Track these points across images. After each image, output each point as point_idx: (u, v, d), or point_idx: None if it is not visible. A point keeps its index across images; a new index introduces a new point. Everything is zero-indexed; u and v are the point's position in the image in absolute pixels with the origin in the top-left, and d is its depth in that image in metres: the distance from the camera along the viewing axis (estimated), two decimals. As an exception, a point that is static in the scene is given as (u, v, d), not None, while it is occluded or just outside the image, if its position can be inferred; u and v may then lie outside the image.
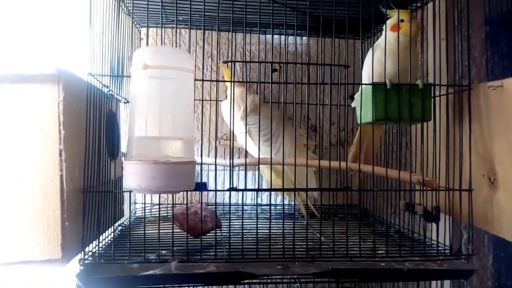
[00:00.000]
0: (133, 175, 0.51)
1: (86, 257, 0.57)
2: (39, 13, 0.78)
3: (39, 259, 0.51)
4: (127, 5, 0.77)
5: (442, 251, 0.66)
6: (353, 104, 0.74)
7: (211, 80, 0.66)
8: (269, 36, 0.99)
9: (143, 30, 0.94)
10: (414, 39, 0.67)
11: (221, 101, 0.87)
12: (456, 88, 0.67)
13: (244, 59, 0.96)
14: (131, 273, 0.54)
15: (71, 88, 0.54)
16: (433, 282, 0.83)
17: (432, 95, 0.68)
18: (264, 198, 0.98)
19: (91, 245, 0.59)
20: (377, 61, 0.66)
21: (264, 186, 0.89)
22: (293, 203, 0.97)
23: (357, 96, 0.70)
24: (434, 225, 0.71)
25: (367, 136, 0.75)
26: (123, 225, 0.78)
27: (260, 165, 0.82)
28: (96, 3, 0.61)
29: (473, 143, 0.65)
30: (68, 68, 0.54)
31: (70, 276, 0.57)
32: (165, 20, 0.86)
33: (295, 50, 0.98)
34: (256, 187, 0.85)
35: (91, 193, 0.58)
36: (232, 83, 0.62)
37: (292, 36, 0.98)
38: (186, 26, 0.90)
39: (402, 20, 0.68)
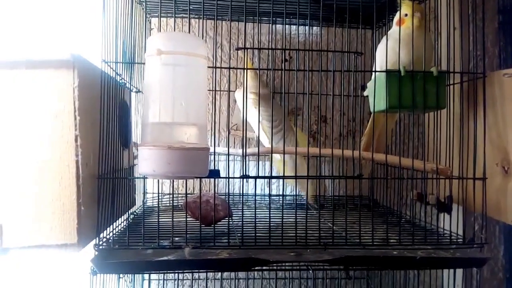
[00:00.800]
0: (148, 161, 0.51)
1: (101, 242, 0.57)
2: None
3: (55, 243, 0.51)
4: (138, -7, 0.77)
5: (455, 240, 0.66)
6: (365, 93, 0.73)
7: (222, 67, 0.66)
8: (279, 27, 0.99)
9: (153, 20, 0.94)
10: (417, 32, 0.66)
11: (233, 91, 0.87)
12: (470, 76, 0.67)
13: (255, 50, 0.95)
14: (145, 259, 0.55)
15: (86, 74, 0.54)
16: (445, 272, 0.83)
17: (446, 83, 0.67)
18: (273, 189, 0.98)
19: (105, 231, 0.60)
20: (391, 50, 0.66)
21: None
22: (302, 193, 0.97)
23: (370, 84, 0.70)
24: (446, 215, 0.71)
25: (380, 125, 0.75)
26: (135, 213, 0.79)
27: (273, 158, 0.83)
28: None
29: (487, 131, 0.64)
30: (82, 54, 0.54)
31: (84, 261, 0.57)
32: (176, 9, 0.86)
33: (305, 40, 0.97)
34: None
35: (106, 179, 0.58)
36: (246, 69, 0.62)
37: (302, 26, 0.97)
38: (197, 16, 0.90)
39: (406, 15, 0.68)
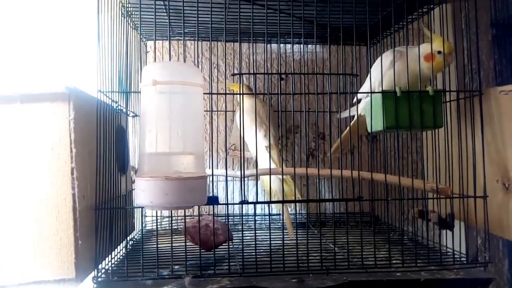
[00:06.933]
0: (145, 192, 0.51)
1: (99, 274, 0.56)
2: (48, 32, 0.79)
3: (53, 278, 0.50)
4: (133, 19, 0.77)
5: (458, 259, 0.65)
6: (362, 113, 0.73)
7: (218, 93, 0.66)
8: (274, 45, 0.99)
9: (149, 43, 0.94)
10: (438, 72, 0.66)
11: (230, 111, 0.87)
12: (466, 93, 0.67)
13: (250, 69, 0.95)
14: (145, 290, 0.54)
15: (81, 106, 0.54)
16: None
17: (443, 101, 0.67)
18: (272, 207, 0.98)
19: (103, 262, 0.59)
20: (397, 75, 0.64)
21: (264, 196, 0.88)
22: (303, 212, 0.97)
23: (366, 104, 0.69)
24: (448, 232, 0.70)
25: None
26: (134, 239, 0.78)
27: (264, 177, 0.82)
28: (104, 19, 0.61)
29: (486, 148, 0.64)
30: (77, 86, 0.54)
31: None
32: (171, 33, 0.87)
33: (301, 58, 0.98)
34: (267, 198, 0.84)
35: (103, 210, 0.58)
36: (241, 95, 0.62)
37: (297, 45, 0.98)
38: (192, 38, 0.90)
39: (439, 52, 0.64)
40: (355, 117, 0.73)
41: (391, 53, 0.68)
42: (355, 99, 0.74)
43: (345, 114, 0.80)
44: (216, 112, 0.96)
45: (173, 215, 0.92)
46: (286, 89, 0.97)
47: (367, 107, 0.68)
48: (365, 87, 0.72)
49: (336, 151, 0.76)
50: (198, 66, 0.64)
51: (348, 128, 0.75)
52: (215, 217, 0.72)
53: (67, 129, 0.51)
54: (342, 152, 0.76)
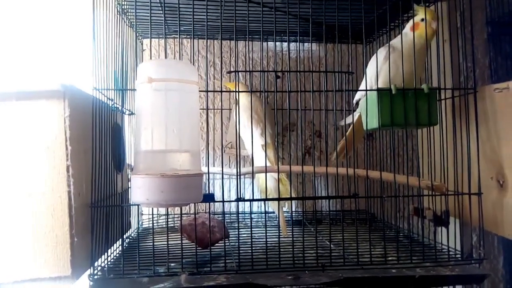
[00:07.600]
0: (141, 189, 0.51)
1: (95, 272, 0.56)
2: (43, 29, 0.78)
3: (49, 276, 0.50)
4: (129, 17, 0.77)
5: (453, 256, 0.65)
6: (358, 110, 0.73)
7: (215, 91, 0.66)
8: (271, 43, 0.99)
9: (145, 41, 0.94)
10: (429, 40, 0.65)
11: (226, 109, 0.87)
12: (461, 91, 0.67)
13: (246, 67, 0.95)
14: (141, 288, 0.54)
15: (77, 103, 0.54)
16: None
17: (438, 98, 0.67)
18: (268, 204, 0.98)
19: (100, 260, 0.59)
20: (393, 64, 0.65)
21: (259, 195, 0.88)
22: (299, 210, 0.97)
23: (362, 102, 0.70)
24: (443, 229, 0.71)
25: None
26: (130, 237, 0.78)
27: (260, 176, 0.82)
28: (99, 17, 0.61)
29: (480, 146, 0.65)
30: (73, 83, 0.54)
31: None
32: (167, 31, 0.87)
33: (297, 56, 0.98)
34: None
35: (98, 208, 0.58)
36: (237, 92, 0.62)
37: (293, 43, 0.98)
38: (188, 36, 0.90)
39: (422, 20, 0.65)
40: (351, 127, 0.74)
41: (385, 48, 0.69)
42: (355, 99, 0.74)
43: (342, 123, 0.80)
44: (212, 110, 0.96)
45: (169, 213, 0.92)
46: (282, 87, 0.97)
47: (362, 105, 0.68)
48: (362, 87, 0.72)
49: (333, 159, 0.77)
50: (194, 64, 0.64)
51: (343, 138, 0.75)
52: (211, 215, 0.73)
53: (62, 126, 0.51)
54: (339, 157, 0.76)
